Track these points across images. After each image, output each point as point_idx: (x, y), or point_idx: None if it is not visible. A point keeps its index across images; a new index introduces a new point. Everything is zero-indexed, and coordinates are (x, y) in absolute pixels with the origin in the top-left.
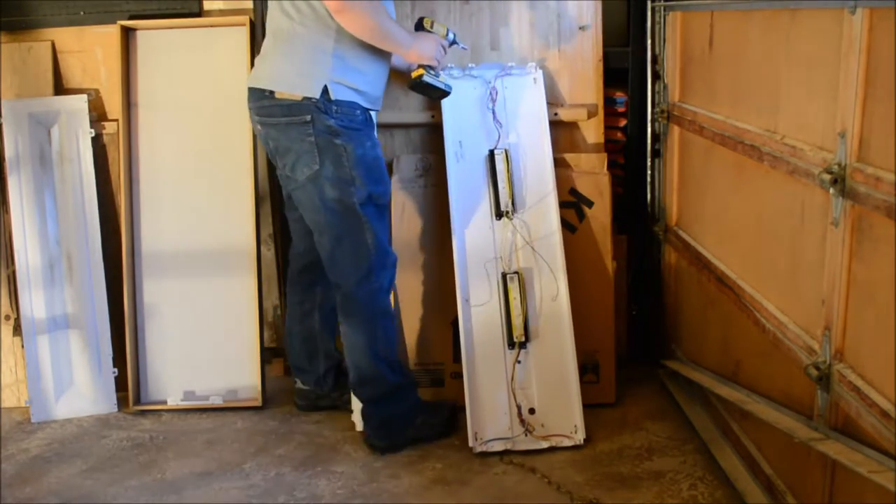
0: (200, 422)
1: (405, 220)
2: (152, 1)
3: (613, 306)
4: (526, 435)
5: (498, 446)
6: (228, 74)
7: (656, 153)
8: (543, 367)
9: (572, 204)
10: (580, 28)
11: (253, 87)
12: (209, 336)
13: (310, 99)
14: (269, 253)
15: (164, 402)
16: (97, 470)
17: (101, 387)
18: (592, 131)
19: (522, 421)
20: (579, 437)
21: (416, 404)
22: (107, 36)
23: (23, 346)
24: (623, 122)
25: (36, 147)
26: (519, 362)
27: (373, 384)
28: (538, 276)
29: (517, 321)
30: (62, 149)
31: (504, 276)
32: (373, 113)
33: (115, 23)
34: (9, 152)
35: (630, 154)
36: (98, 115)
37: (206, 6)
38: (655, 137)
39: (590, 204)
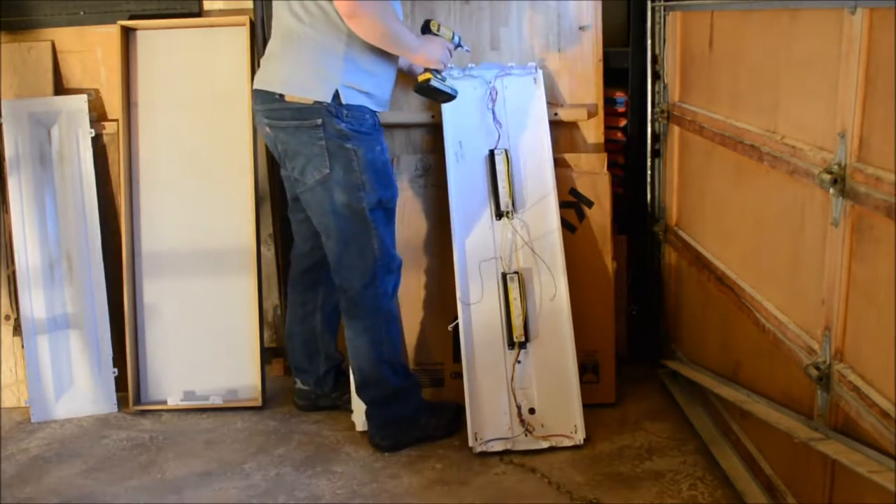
0: (200, 422)
1: (405, 220)
2: (152, 1)
3: (613, 306)
4: (526, 435)
5: (498, 446)
6: (228, 74)
7: (656, 153)
8: (543, 367)
9: (572, 204)
10: (580, 28)
11: (261, 90)
12: (209, 336)
13: (321, 103)
14: (269, 253)
15: (164, 402)
16: (97, 470)
17: (101, 387)
18: (592, 131)
19: (522, 421)
20: (579, 437)
21: (420, 405)
22: (107, 36)
23: (23, 346)
24: (623, 122)
25: (36, 147)
26: (519, 362)
27: (376, 387)
28: (538, 276)
29: (517, 321)
30: (62, 149)
31: (504, 276)
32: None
33: (115, 23)
34: (9, 152)
35: (630, 154)
36: (98, 115)
37: (206, 6)
38: (655, 137)
39: (590, 204)
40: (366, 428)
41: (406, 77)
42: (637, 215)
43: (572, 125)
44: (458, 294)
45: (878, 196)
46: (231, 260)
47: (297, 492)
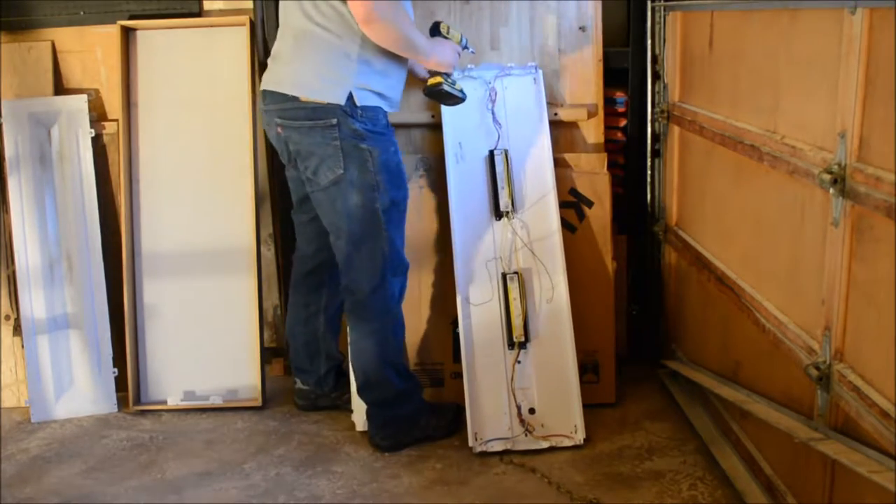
0: (200, 422)
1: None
2: (152, 1)
3: (613, 306)
4: (526, 435)
5: (498, 446)
6: (228, 74)
7: (656, 153)
8: (543, 368)
9: (572, 204)
10: (580, 28)
11: (273, 91)
12: (209, 336)
13: (335, 103)
14: (269, 253)
15: (164, 402)
16: (97, 470)
17: (101, 387)
18: (592, 131)
19: (522, 421)
20: (579, 437)
21: (421, 406)
22: (107, 36)
23: (23, 346)
24: (623, 122)
25: (36, 147)
26: (519, 362)
27: (379, 389)
28: (538, 276)
29: (517, 321)
30: (62, 149)
31: (504, 276)
32: None
33: (115, 23)
34: (9, 152)
35: (630, 154)
36: (98, 115)
37: (206, 6)
38: (655, 137)
39: (590, 204)
40: (366, 428)
41: (408, 78)
42: (637, 215)
43: (572, 125)
44: (458, 294)
45: (878, 196)
46: (231, 260)
47: (297, 492)
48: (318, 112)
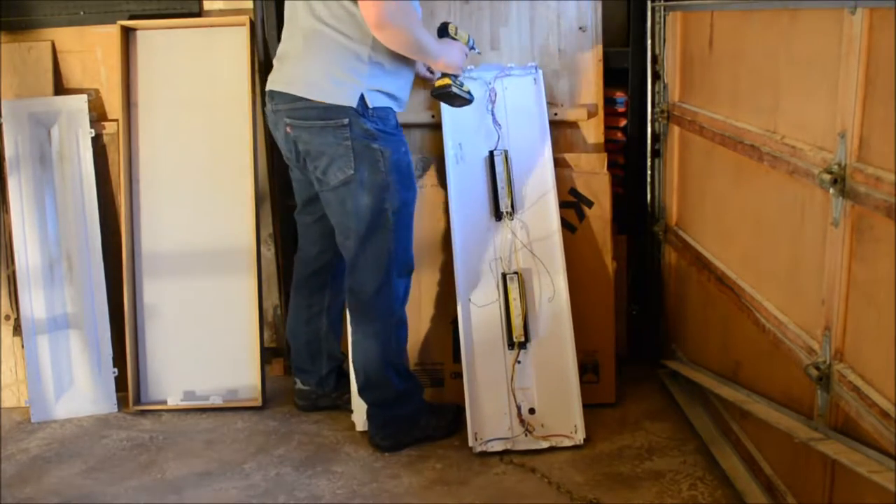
0: (200, 422)
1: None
2: (152, 1)
3: (613, 306)
4: (526, 435)
5: (498, 446)
6: (228, 74)
7: (656, 153)
8: (543, 368)
9: (572, 204)
10: (580, 28)
11: (281, 92)
12: (209, 336)
13: (348, 106)
14: (269, 253)
15: (164, 402)
16: (97, 470)
17: (101, 387)
18: (592, 131)
19: (522, 421)
20: (579, 437)
21: (422, 406)
22: (107, 36)
23: (23, 346)
24: (623, 122)
25: (36, 147)
26: (519, 362)
27: (380, 390)
28: (538, 276)
29: (517, 321)
30: (62, 149)
31: (504, 276)
32: None
33: (115, 23)
34: (9, 152)
35: (630, 154)
36: (98, 115)
37: (206, 6)
38: (655, 137)
39: (590, 204)
40: (366, 428)
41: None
42: (637, 215)
43: (572, 125)
44: (458, 294)
45: (878, 196)
46: (231, 260)
47: (297, 492)
48: (329, 112)
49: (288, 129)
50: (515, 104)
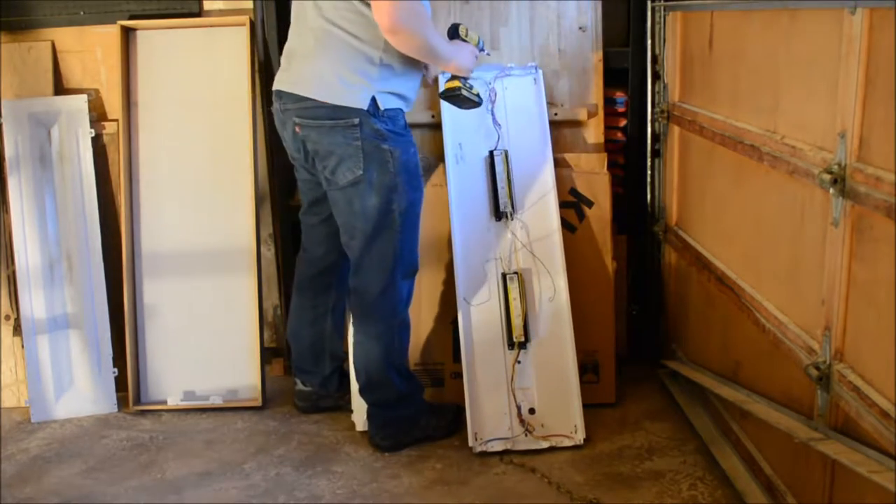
0: (200, 422)
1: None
2: (152, 1)
3: (613, 306)
4: (526, 435)
5: (498, 446)
6: (228, 74)
7: (656, 153)
8: (543, 368)
9: (572, 204)
10: (580, 28)
11: (291, 92)
12: (209, 336)
13: (359, 108)
14: (269, 253)
15: (164, 402)
16: (97, 470)
17: (101, 387)
18: (592, 131)
19: (522, 421)
20: (579, 437)
21: (422, 406)
22: (107, 36)
23: (23, 346)
24: (623, 122)
25: (36, 147)
26: (519, 362)
27: (381, 390)
28: (538, 276)
29: (517, 321)
30: (62, 149)
31: (504, 276)
32: None
33: (115, 23)
34: (9, 152)
35: (630, 154)
36: (98, 115)
37: (206, 6)
38: (655, 137)
39: (590, 204)
40: (366, 428)
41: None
42: (637, 215)
43: (572, 125)
44: (458, 294)
45: (878, 196)
46: (231, 260)
47: (297, 492)
48: (339, 112)
49: (297, 129)
50: (515, 104)
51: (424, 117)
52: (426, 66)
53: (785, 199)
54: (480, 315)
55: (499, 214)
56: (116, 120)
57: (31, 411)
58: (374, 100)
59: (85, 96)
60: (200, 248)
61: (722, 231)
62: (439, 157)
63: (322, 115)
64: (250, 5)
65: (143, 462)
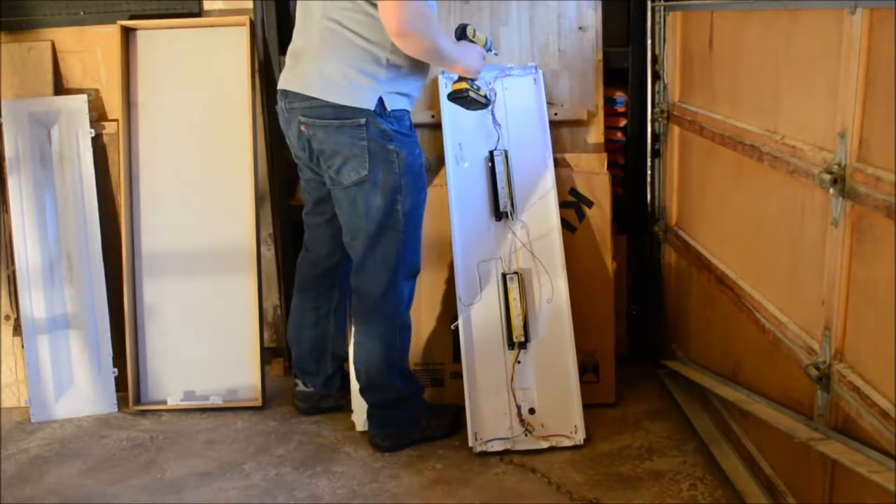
0: (200, 422)
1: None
2: (152, 1)
3: (613, 306)
4: (526, 435)
5: (498, 446)
6: (228, 74)
7: (656, 153)
8: (543, 367)
9: (572, 204)
10: (580, 28)
11: (297, 92)
12: (209, 336)
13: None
14: (269, 253)
15: (164, 402)
16: (97, 470)
17: (101, 387)
18: (592, 131)
19: (522, 421)
20: (579, 437)
21: (422, 407)
22: (107, 36)
23: (23, 346)
24: (623, 122)
25: (36, 147)
26: (519, 362)
27: (381, 391)
28: (538, 276)
29: (517, 321)
30: (62, 149)
31: (504, 276)
32: None
33: (115, 23)
34: (9, 152)
35: (630, 154)
36: (98, 115)
37: (206, 6)
38: (655, 137)
39: (590, 204)
40: (366, 428)
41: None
42: (637, 215)
43: (572, 125)
44: (458, 294)
45: (878, 196)
46: (231, 260)
47: (297, 492)
48: (346, 111)
49: (302, 128)
50: (515, 104)
51: (424, 117)
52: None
53: (785, 199)
54: (480, 315)
55: (499, 214)
56: (116, 120)
57: (31, 411)
58: (381, 100)
59: (85, 96)
60: (200, 247)
61: (722, 231)
62: (439, 158)
63: (328, 114)
64: (250, 5)
65: (143, 462)
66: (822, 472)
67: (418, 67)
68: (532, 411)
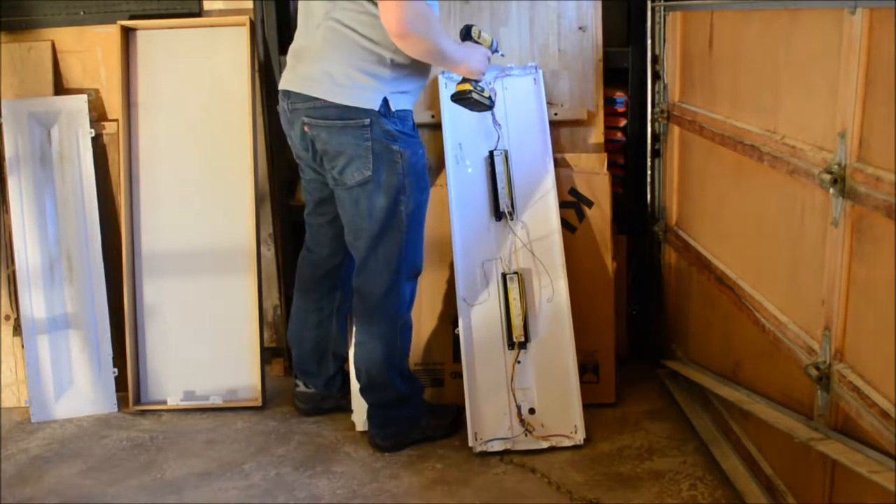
0: (200, 422)
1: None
2: (152, 1)
3: (613, 306)
4: (526, 435)
5: (498, 446)
6: (228, 74)
7: (656, 153)
8: (543, 367)
9: (572, 204)
10: (580, 28)
11: (300, 93)
12: (209, 336)
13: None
14: (269, 253)
15: (164, 402)
16: (97, 470)
17: (101, 387)
18: (592, 131)
19: (522, 421)
20: (579, 437)
21: (423, 407)
22: (107, 36)
23: (23, 346)
24: (623, 122)
25: (36, 147)
26: (519, 362)
27: (382, 391)
28: (538, 276)
29: (517, 321)
30: (62, 149)
31: (504, 276)
32: None
33: (115, 23)
34: (9, 152)
35: (630, 154)
36: (98, 115)
37: (206, 6)
38: (655, 137)
39: (590, 204)
40: (366, 428)
41: None
42: (637, 215)
43: (572, 125)
44: (458, 294)
45: (878, 196)
46: (231, 260)
47: (297, 492)
48: (350, 112)
49: (306, 129)
50: (515, 104)
51: (424, 117)
52: None
53: (785, 199)
54: (480, 315)
55: (499, 214)
56: (116, 120)
57: (31, 411)
58: (385, 101)
59: (85, 96)
60: (200, 248)
61: (722, 231)
62: (439, 158)
63: (332, 115)
64: (250, 5)
65: (143, 462)
66: (822, 472)
67: (421, 67)
68: (532, 411)
